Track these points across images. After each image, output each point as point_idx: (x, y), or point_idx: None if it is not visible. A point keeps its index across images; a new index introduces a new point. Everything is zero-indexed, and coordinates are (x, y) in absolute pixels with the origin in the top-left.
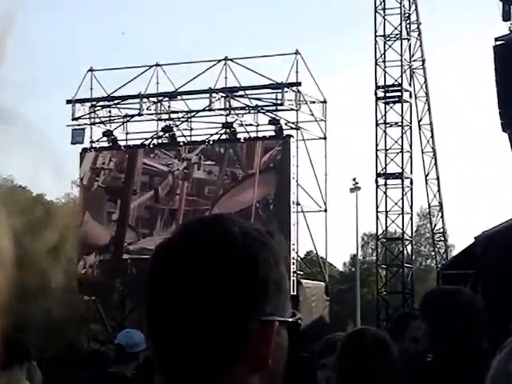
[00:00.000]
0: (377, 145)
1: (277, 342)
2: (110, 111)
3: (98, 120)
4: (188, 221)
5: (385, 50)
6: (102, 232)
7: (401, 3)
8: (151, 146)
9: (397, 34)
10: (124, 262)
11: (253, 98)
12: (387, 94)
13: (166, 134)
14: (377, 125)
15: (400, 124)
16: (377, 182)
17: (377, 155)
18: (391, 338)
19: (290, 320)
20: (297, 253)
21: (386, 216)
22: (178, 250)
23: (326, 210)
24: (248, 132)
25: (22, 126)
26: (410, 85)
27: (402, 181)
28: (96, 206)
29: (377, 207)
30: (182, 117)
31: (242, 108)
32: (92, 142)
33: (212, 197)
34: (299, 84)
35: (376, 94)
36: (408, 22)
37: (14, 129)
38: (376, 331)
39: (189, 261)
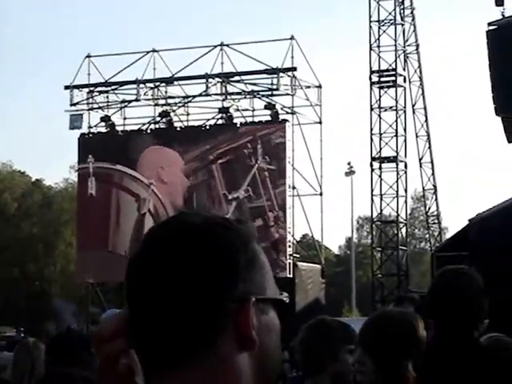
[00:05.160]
0: (371, 129)
1: (263, 321)
2: (107, 97)
3: (95, 106)
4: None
5: (379, 35)
6: None
7: None
8: (148, 131)
9: (391, 20)
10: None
11: (249, 83)
12: (381, 79)
13: (163, 119)
14: (371, 109)
15: (394, 108)
16: (371, 165)
17: (371, 139)
18: None
19: (272, 297)
20: (293, 236)
21: (381, 199)
22: (146, 252)
23: (321, 194)
24: (244, 117)
25: None
26: (404, 69)
27: (397, 164)
28: None
29: (372, 191)
30: (179, 102)
31: (238, 93)
32: (90, 127)
33: None
34: (294, 69)
35: (370, 78)
36: (402, 7)
37: None
38: (335, 319)
39: (156, 258)
